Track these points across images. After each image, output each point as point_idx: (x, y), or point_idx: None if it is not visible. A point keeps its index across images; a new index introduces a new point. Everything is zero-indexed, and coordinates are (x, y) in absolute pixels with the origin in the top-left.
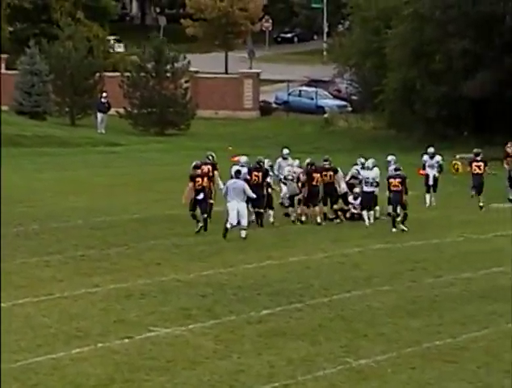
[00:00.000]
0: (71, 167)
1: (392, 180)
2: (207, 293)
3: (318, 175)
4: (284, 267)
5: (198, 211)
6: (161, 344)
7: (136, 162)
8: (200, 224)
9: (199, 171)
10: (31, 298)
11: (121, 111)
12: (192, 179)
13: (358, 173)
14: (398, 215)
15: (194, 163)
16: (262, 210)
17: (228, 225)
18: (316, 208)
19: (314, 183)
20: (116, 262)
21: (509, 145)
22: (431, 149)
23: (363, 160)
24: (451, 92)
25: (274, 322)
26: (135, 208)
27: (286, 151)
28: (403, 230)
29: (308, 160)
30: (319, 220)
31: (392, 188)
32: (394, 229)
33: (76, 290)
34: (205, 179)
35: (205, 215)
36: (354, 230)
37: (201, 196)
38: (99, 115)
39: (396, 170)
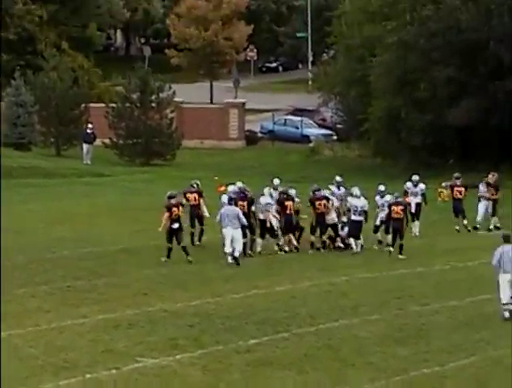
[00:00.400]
0: (56, 198)
1: (394, 207)
2: (194, 323)
3: (290, 202)
4: (271, 297)
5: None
6: (148, 375)
7: (121, 193)
8: (167, 259)
9: (173, 201)
10: (18, 329)
11: (107, 141)
12: (169, 209)
13: (333, 193)
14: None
15: (168, 193)
16: (244, 240)
17: (230, 260)
18: (291, 235)
19: (288, 211)
20: (103, 292)
21: (490, 176)
22: (416, 177)
23: (338, 178)
24: (435, 120)
25: (261, 352)
26: (121, 239)
27: (277, 181)
28: (401, 259)
29: (280, 189)
30: (295, 242)
31: (394, 216)
32: (391, 248)
33: (63, 321)
34: (180, 208)
35: (181, 244)
36: (340, 259)
37: (176, 226)
38: (85, 145)
39: (396, 198)
